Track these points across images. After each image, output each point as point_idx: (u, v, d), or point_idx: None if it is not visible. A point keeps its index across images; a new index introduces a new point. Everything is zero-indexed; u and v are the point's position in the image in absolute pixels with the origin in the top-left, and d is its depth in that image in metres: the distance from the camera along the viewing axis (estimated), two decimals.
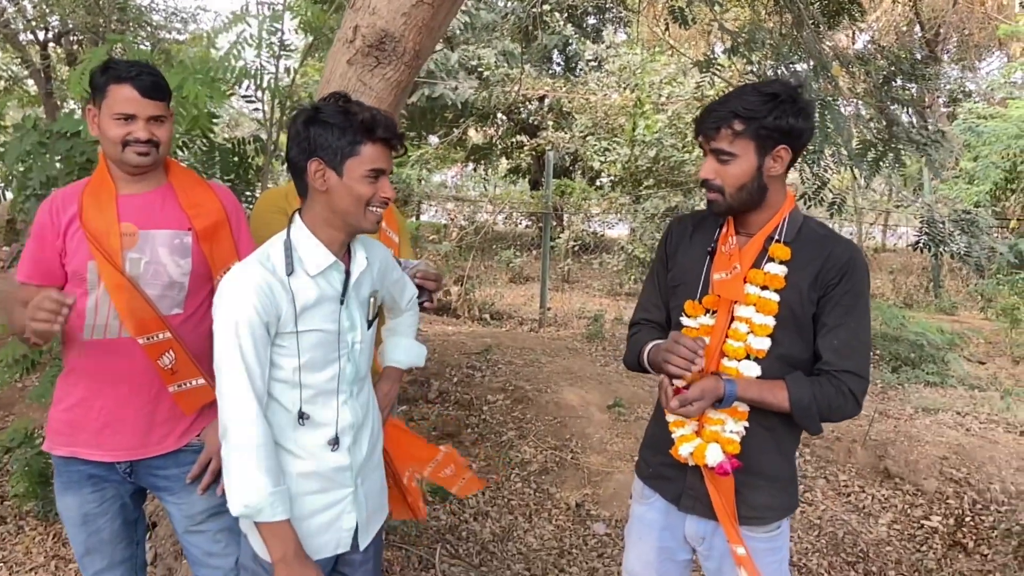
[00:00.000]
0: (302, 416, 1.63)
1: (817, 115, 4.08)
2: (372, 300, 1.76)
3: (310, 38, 3.70)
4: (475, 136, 17.05)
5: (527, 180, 18.02)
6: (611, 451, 4.52)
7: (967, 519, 3.78)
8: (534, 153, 14.96)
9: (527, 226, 14.99)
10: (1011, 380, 6.23)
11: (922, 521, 3.82)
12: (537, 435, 4.70)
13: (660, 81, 12.26)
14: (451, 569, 3.25)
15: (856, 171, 5.13)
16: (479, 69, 13.13)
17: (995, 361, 6.98)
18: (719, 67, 4.49)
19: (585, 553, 3.62)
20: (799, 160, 5.13)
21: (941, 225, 5.29)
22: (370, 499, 1.79)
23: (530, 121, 15.21)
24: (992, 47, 11.85)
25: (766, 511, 1.81)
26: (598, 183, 14.80)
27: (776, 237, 1.77)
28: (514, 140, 15.53)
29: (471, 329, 7.22)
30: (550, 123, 14.28)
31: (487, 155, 17.20)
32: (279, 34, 3.46)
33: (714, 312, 1.82)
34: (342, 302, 1.66)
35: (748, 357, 1.76)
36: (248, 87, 3.60)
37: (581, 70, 15.10)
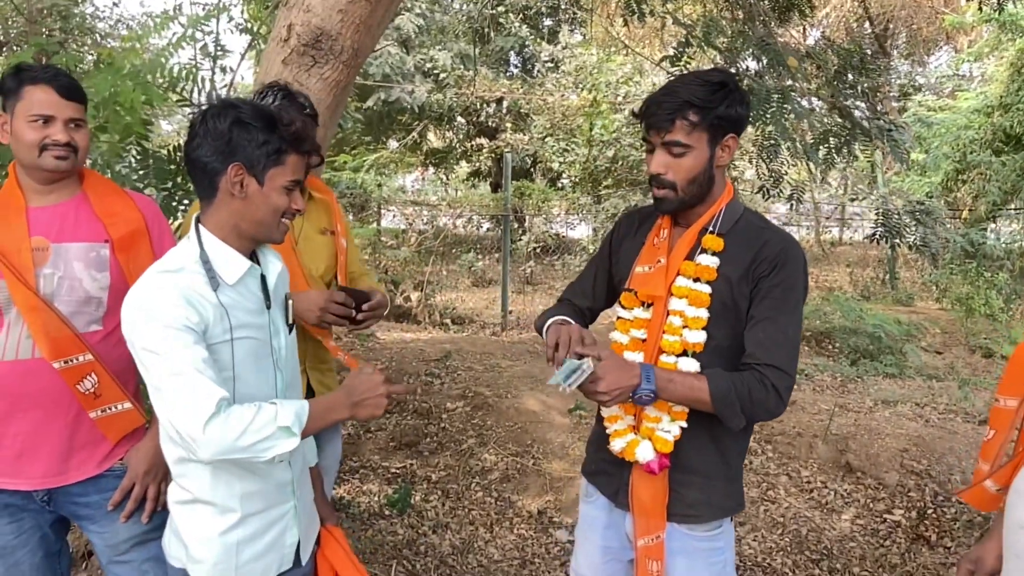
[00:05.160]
0: None
1: (775, 108, 4.08)
2: (289, 303, 1.68)
3: (248, 38, 3.57)
4: (434, 140, 16.91)
5: (488, 183, 17.94)
6: (572, 456, 4.45)
7: (929, 512, 3.77)
8: (493, 155, 14.89)
9: (488, 229, 14.92)
10: (967, 369, 6.31)
11: (884, 515, 3.80)
12: (498, 442, 4.61)
13: (616, 81, 12.30)
14: None
15: (812, 164, 5.14)
16: (435, 72, 13.02)
17: (951, 351, 7.06)
18: (688, 60, 4.43)
19: (548, 562, 3.53)
20: (756, 154, 5.14)
21: (897, 216, 5.33)
22: (306, 511, 1.72)
23: (488, 123, 15.13)
24: (940, 41, 12.10)
25: (702, 508, 1.77)
26: (559, 184, 14.78)
27: (710, 228, 1.74)
28: (473, 143, 15.44)
29: (430, 335, 7.11)
30: (508, 125, 14.23)
31: (445, 158, 17.08)
32: (213, 34, 3.33)
33: (650, 305, 1.77)
34: (268, 306, 1.59)
35: (686, 353, 1.71)
36: (184, 89, 3.46)
37: (538, 71, 15.09)
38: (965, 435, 4.51)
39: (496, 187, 17.18)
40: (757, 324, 1.67)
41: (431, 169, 18.17)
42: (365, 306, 2.16)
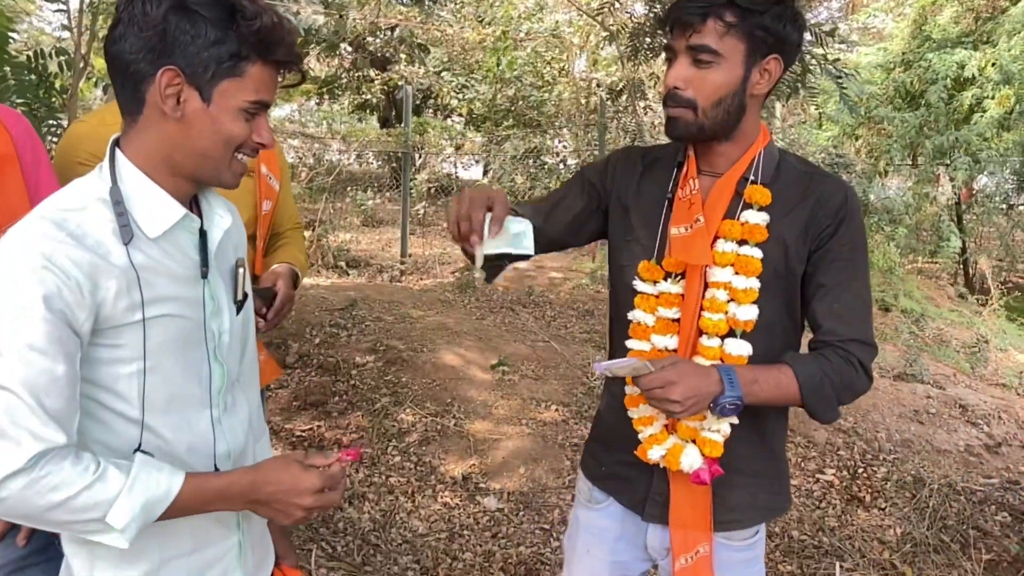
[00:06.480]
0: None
1: None
2: (241, 272, 1.23)
3: None
4: (317, 68, 15.82)
5: (376, 117, 17.05)
6: (497, 415, 4.16)
7: (860, 471, 3.75)
8: (384, 88, 14.08)
9: (378, 166, 14.20)
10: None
11: (817, 475, 3.75)
12: (415, 400, 4.25)
13: (519, 16, 11.79)
14: (331, 575, 2.77)
15: None
16: None
17: None
18: None
19: (478, 534, 3.26)
20: None
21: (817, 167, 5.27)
22: (256, 547, 1.30)
23: (379, 54, 14.25)
24: None
25: (745, 512, 1.50)
26: (450, 121, 14.20)
27: (751, 178, 1.40)
28: (361, 74, 14.52)
29: (330, 282, 6.58)
30: (402, 56, 13.44)
31: (332, 89, 16.05)
32: None
33: (679, 277, 1.43)
34: (204, 275, 1.14)
35: (733, 333, 1.39)
36: None
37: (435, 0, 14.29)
38: (884, 391, 4.56)
39: (385, 122, 16.36)
40: (829, 292, 1.38)
41: (313, 99, 17.06)
42: (269, 314, 1.73)
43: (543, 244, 1.49)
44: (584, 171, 1.61)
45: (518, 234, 1.26)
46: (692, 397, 1.26)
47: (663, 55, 1.43)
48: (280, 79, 1.11)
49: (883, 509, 3.46)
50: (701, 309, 1.41)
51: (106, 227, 1.03)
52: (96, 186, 1.06)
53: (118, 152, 1.08)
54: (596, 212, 1.58)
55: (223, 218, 1.18)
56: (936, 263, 8.64)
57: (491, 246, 1.23)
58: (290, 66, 1.10)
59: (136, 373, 1.06)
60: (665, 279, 1.45)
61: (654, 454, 1.42)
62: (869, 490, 3.61)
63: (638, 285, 1.47)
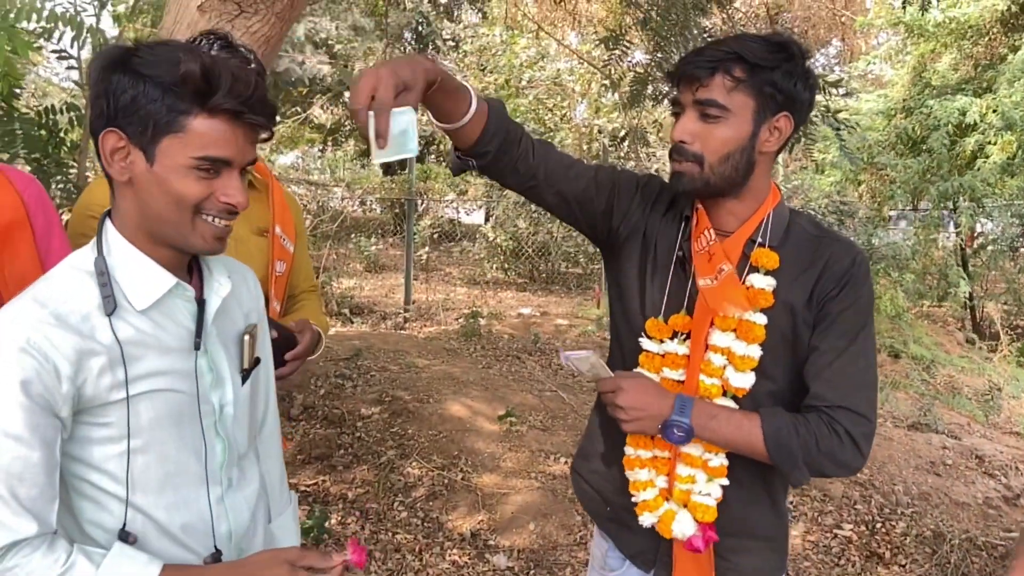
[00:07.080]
0: (126, 538, 1.04)
1: None
2: (247, 339, 1.18)
3: None
4: (321, 116, 16.00)
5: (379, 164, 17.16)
6: (505, 468, 4.08)
7: (878, 526, 3.66)
8: None
9: (381, 212, 14.26)
10: (879, 370, 6.38)
11: (835, 530, 3.66)
12: (421, 453, 4.17)
13: (520, 64, 11.95)
14: None
15: None
16: (328, 42, 12.22)
17: None
18: (627, 45, 4.11)
19: None
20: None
21: (821, 214, 5.27)
22: None
23: None
24: (831, 39, 12.47)
25: None
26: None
27: (759, 240, 1.36)
28: None
29: (335, 330, 6.53)
30: None
31: (336, 136, 16.22)
32: None
33: (684, 336, 1.39)
34: (198, 346, 1.09)
35: (725, 394, 1.36)
36: (61, 38, 2.81)
37: (437, 49, 14.51)
38: (900, 441, 4.47)
39: (387, 169, 16.49)
40: (822, 356, 1.32)
41: (317, 147, 17.22)
42: (288, 355, 1.65)
43: (523, 172, 1.42)
44: (617, 174, 1.51)
45: (403, 132, 1.13)
46: (638, 409, 1.29)
47: (664, 102, 1.42)
48: (255, 132, 1.04)
49: (903, 566, 3.36)
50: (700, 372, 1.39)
51: (92, 301, 1.00)
52: (86, 258, 1.04)
53: (107, 222, 1.06)
54: (588, 207, 1.47)
55: (222, 285, 1.13)
56: (942, 307, 8.60)
57: (379, 156, 1.11)
58: (245, 116, 1.00)
59: (120, 455, 1.03)
60: (672, 338, 1.41)
61: (646, 520, 1.39)
62: (889, 546, 3.51)
63: (644, 343, 1.44)
